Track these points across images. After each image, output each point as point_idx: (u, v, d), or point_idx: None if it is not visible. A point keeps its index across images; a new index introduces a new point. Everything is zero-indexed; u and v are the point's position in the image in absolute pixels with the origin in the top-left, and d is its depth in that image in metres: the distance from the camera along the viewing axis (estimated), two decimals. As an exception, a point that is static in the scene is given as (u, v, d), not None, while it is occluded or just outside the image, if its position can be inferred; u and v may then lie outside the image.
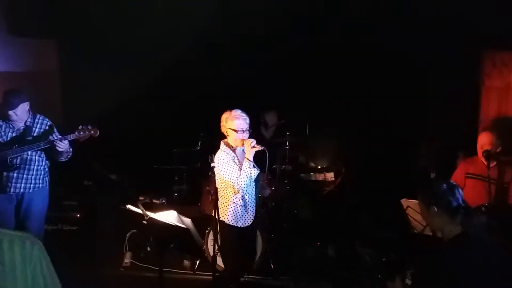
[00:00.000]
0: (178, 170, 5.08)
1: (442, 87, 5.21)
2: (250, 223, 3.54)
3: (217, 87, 5.39)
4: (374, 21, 4.95)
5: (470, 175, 3.93)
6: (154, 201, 3.28)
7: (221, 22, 5.02)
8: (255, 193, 3.59)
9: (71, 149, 3.98)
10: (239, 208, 3.50)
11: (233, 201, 3.49)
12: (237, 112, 3.52)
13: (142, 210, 2.93)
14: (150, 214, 2.94)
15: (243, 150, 3.53)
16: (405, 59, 5.14)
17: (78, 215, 4.70)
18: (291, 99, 5.24)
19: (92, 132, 3.85)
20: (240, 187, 3.44)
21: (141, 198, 3.17)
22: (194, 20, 4.99)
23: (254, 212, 3.57)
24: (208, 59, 5.23)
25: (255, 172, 3.44)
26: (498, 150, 3.85)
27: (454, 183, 2.32)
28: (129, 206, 3.06)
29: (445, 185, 2.28)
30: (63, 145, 3.82)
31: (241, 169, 3.41)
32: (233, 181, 3.41)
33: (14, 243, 1.66)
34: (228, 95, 5.34)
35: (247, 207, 3.52)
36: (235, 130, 3.46)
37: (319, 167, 5.11)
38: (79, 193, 4.95)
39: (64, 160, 4.03)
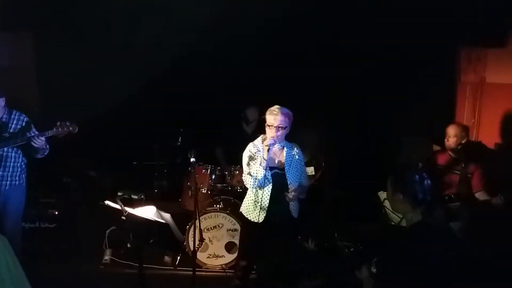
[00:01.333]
0: (158, 166, 5.06)
1: (420, 82, 5.31)
2: (261, 220, 3.50)
3: (198, 82, 5.37)
4: (352, 18, 5.00)
5: (439, 166, 4.07)
6: (133, 196, 3.26)
7: (204, 22, 5.00)
8: (274, 193, 3.53)
9: (47, 146, 3.93)
10: (250, 201, 3.60)
11: (248, 192, 3.64)
12: (272, 108, 3.58)
13: (121, 206, 2.90)
14: (129, 210, 2.92)
15: (278, 147, 3.58)
16: (383, 55, 5.21)
17: (57, 213, 4.65)
18: (272, 94, 5.25)
19: (71, 128, 3.80)
20: (246, 182, 3.59)
21: (119, 193, 3.13)
22: (177, 15, 4.96)
23: (265, 211, 3.52)
24: (189, 54, 5.20)
25: (261, 172, 3.47)
26: (463, 142, 4.02)
27: (426, 175, 2.38)
28: (107, 202, 3.03)
29: (417, 176, 2.33)
30: (39, 142, 3.75)
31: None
32: (243, 174, 3.59)
33: None
34: (209, 90, 5.34)
35: (256, 204, 3.53)
36: (267, 125, 3.54)
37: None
38: (57, 190, 4.89)
39: (40, 157, 3.97)
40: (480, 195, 3.90)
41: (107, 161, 5.31)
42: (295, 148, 3.68)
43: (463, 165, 3.98)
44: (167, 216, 2.98)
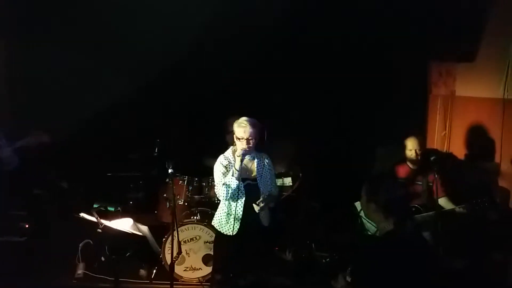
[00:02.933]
0: (134, 177, 4.97)
1: (393, 94, 5.45)
2: (234, 232, 3.52)
3: (174, 92, 5.33)
4: (333, 27, 5.10)
5: (400, 179, 4.08)
6: (109, 208, 3.20)
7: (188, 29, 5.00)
8: (247, 205, 3.56)
9: (15, 157, 3.81)
10: (223, 214, 3.62)
11: (220, 205, 3.67)
12: (239, 120, 3.62)
13: (97, 218, 2.85)
14: (105, 222, 2.87)
15: (249, 158, 3.60)
16: (358, 67, 5.32)
17: (27, 226, 4.49)
18: (249, 105, 5.27)
19: (43, 138, 3.72)
20: (219, 194, 3.58)
21: (95, 205, 3.08)
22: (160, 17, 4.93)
23: (239, 223, 3.54)
24: (165, 62, 5.16)
25: (234, 183, 3.47)
26: (419, 152, 4.18)
27: (397, 187, 2.44)
28: (82, 215, 2.97)
29: (387, 187, 2.39)
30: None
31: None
32: (216, 187, 3.61)
33: None
34: (188, 101, 5.32)
35: (230, 216, 3.55)
36: (237, 138, 3.56)
37: (277, 172, 5.17)
38: (28, 202, 4.73)
39: (6, 168, 3.84)
40: (442, 201, 4.00)
41: (81, 172, 5.18)
42: (265, 158, 3.75)
43: (423, 175, 4.10)
44: (145, 228, 2.94)
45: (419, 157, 4.17)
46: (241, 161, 3.53)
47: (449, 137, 5.63)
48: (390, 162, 4.93)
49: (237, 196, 3.55)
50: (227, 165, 3.61)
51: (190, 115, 5.37)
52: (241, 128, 3.56)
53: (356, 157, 5.22)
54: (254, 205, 3.52)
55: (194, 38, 5.02)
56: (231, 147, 3.74)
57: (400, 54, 5.30)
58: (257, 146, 3.69)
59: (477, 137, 5.42)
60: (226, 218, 3.60)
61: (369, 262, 2.36)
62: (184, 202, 4.68)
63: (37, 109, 5.04)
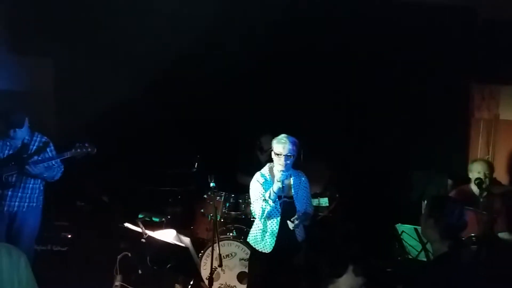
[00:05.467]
0: (172, 192, 5.05)
1: (434, 118, 5.37)
2: (269, 250, 3.54)
3: (212, 110, 5.44)
4: (369, 55, 5.12)
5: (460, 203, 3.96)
6: (154, 219, 3.26)
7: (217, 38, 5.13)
8: (282, 222, 3.55)
9: (61, 168, 3.95)
10: (258, 231, 3.62)
11: (256, 222, 3.66)
12: (279, 137, 3.63)
13: (142, 228, 2.90)
14: (149, 233, 2.92)
15: (286, 176, 3.57)
16: (398, 91, 5.30)
17: (69, 236, 4.62)
18: (286, 124, 5.31)
19: (90, 149, 3.85)
20: (255, 212, 3.58)
21: (140, 215, 3.14)
22: (184, 40, 5.08)
23: (274, 240, 3.55)
24: (204, 83, 5.30)
25: (271, 202, 3.47)
26: (488, 179, 3.91)
27: (465, 214, 2.35)
28: (127, 224, 3.03)
29: (456, 210, 2.32)
30: (34, 170, 3.75)
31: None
32: (252, 204, 3.61)
33: (0, 252, 1.67)
34: (225, 118, 5.41)
35: (266, 233, 3.56)
36: (276, 154, 3.56)
37: (313, 192, 5.13)
38: (71, 214, 4.88)
39: (50, 180, 3.97)
40: (503, 235, 3.80)
41: (121, 186, 5.31)
42: (301, 176, 3.73)
43: (488, 204, 3.84)
44: (187, 240, 2.98)
45: (487, 183, 3.87)
46: (281, 184, 3.49)
47: (492, 162, 5.46)
48: (432, 185, 4.83)
49: (274, 215, 3.55)
50: (263, 182, 3.60)
51: (228, 132, 5.45)
52: (281, 145, 3.56)
53: (395, 180, 5.13)
54: (288, 222, 3.50)
55: (238, 56, 5.14)
56: (268, 164, 3.74)
57: (442, 76, 5.25)
58: (294, 164, 3.67)
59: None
60: (262, 235, 3.59)
61: (420, 284, 2.28)
62: (220, 218, 4.71)
63: (82, 123, 5.23)
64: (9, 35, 5.40)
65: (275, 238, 3.54)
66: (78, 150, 3.81)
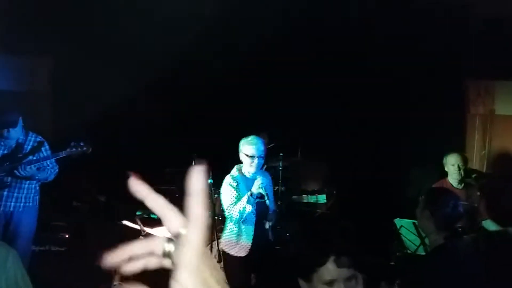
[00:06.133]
0: (170, 190, 5.03)
1: (430, 113, 5.38)
2: (244, 254, 3.47)
3: (209, 108, 5.44)
4: (370, 48, 5.13)
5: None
6: (152, 215, 3.24)
7: (212, 41, 5.13)
8: (257, 223, 3.51)
9: (56, 169, 3.93)
10: (233, 235, 3.52)
11: (228, 227, 3.53)
12: (249, 138, 3.56)
13: (140, 226, 2.89)
14: (148, 230, 2.90)
15: (252, 178, 3.53)
16: (395, 88, 5.31)
17: (67, 236, 4.60)
18: (283, 121, 5.32)
19: (85, 148, 3.81)
20: (232, 216, 3.45)
21: (138, 212, 3.12)
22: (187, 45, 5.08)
23: (250, 244, 3.48)
24: (201, 81, 5.30)
25: (249, 208, 3.39)
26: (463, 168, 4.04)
27: (460, 205, 2.37)
28: (125, 222, 3.02)
29: (452, 202, 2.33)
30: (23, 173, 3.68)
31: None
32: (226, 209, 3.47)
33: None
34: (220, 117, 5.40)
35: (241, 237, 3.49)
36: (247, 156, 3.48)
37: (311, 189, 5.15)
38: (68, 214, 4.86)
39: (44, 181, 3.94)
40: (487, 224, 3.86)
41: (118, 185, 5.29)
42: (268, 175, 3.74)
43: (467, 194, 3.97)
44: (186, 236, 2.95)
45: (462, 174, 4.03)
46: (264, 191, 3.43)
47: (488, 156, 5.49)
48: (429, 180, 4.84)
49: (250, 217, 3.48)
50: (236, 185, 3.50)
51: (225, 129, 5.44)
52: (253, 146, 3.48)
53: (393, 175, 5.15)
54: (266, 222, 3.49)
55: (234, 54, 5.14)
56: (235, 166, 3.63)
57: (437, 73, 5.27)
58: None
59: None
60: (236, 239, 3.50)
61: (417, 275, 2.28)
62: (219, 216, 4.69)
63: (78, 122, 5.21)
64: (5, 35, 5.37)
65: (251, 240, 3.49)
66: (74, 150, 3.76)
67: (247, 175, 3.53)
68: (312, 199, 5.03)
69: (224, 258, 3.54)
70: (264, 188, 3.43)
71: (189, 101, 5.40)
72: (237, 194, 3.46)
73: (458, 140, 5.46)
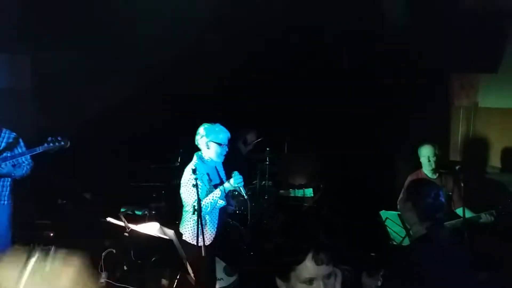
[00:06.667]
0: (156, 187, 5.00)
1: (414, 107, 5.42)
2: (208, 242, 3.34)
3: (196, 103, 5.41)
4: (352, 42, 5.13)
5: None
6: (137, 212, 3.21)
7: (203, 36, 5.10)
8: (222, 213, 3.49)
9: (31, 165, 3.85)
10: (194, 225, 3.32)
11: (190, 217, 3.37)
12: (219, 127, 3.48)
13: (124, 222, 2.86)
14: (132, 226, 2.88)
15: (213, 166, 3.47)
16: (379, 81, 5.33)
17: (52, 234, 4.54)
18: (270, 116, 5.32)
19: (63, 143, 3.72)
20: (207, 207, 3.31)
21: (123, 209, 3.09)
22: (173, 35, 5.03)
23: (215, 232, 3.45)
24: (185, 75, 5.25)
25: (221, 202, 3.33)
26: (436, 161, 4.11)
27: (443, 196, 2.40)
28: (109, 219, 2.99)
29: (433, 192, 2.35)
30: (1, 170, 3.60)
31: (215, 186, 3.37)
32: (191, 202, 3.28)
33: None
34: (207, 111, 5.37)
35: (205, 226, 3.38)
36: (219, 144, 3.40)
37: (298, 183, 5.16)
38: (52, 212, 4.80)
39: (20, 178, 3.85)
40: (460, 212, 3.92)
41: (104, 183, 5.24)
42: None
43: (441, 184, 4.00)
44: (171, 232, 2.94)
45: (433, 165, 4.09)
46: (239, 187, 3.36)
47: (472, 148, 5.55)
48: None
49: (218, 206, 3.40)
50: (202, 178, 3.34)
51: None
52: (223, 134, 3.42)
53: (379, 168, 5.18)
54: (229, 206, 3.53)
55: (219, 50, 5.11)
56: (195, 155, 3.48)
57: (420, 65, 5.30)
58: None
59: (501, 148, 5.34)
60: (200, 229, 3.25)
61: (400, 267, 2.30)
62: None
63: (59, 119, 5.14)
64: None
65: (215, 229, 3.44)
66: (51, 145, 3.65)
67: (211, 162, 3.45)
68: (299, 193, 5.04)
69: (188, 251, 3.30)
70: (240, 187, 3.38)
71: (174, 96, 5.36)
72: (207, 187, 3.34)
73: (442, 133, 5.51)
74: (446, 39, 5.19)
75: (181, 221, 3.50)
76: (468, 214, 3.93)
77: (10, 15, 5.13)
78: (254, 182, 4.79)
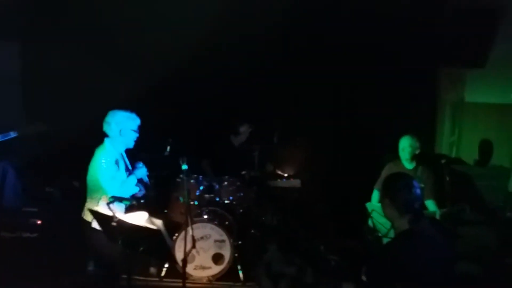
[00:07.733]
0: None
1: (401, 101, 5.48)
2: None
3: (185, 93, 5.40)
4: (342, 35, 5.16)
5: None
6: (124, 202, 3.23)
7: (195, 32, 5.08)
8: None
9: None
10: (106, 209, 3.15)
11: (102, 202, 3.29)
12: (131, 112, 3.51)
13: (112, 212, 2.87)
14: (120, 216, 2.89)
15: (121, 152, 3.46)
16: (369, 72, 5.37)
17: (39, 222, 4.53)
18: (258, 106, 5.34)
19: (40, 127, 3.67)
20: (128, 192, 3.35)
21: (110, 199, 3.10)
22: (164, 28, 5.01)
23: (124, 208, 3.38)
24: (177, 66, 5.23)
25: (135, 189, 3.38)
26: (417, 152, 4.22)
27: (416, 184, 2.44)
28: (97, 209, 2.99)
29: (407, 184, 2.39)
30: None
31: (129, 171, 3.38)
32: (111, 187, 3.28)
33: None
34: (197, 102, 5.37)
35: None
36: (132, 130, 3.44)
37: (287, 174, 5.20)
38: (40, 200, 4.78)
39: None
40: (429, 204, 4.05)
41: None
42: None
43: (416, 176, 4.07)
44: (159, 222, 2.96)
45: (408, 156, 4.19)
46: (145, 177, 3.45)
47: (458, 143, 5.64)
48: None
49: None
50: (119, 162, 3.43)
51: (200, 116, 5.43)
52: (136, 121, 3.47)
53: (366, 161, 5.24)
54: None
55: (206, 39, 5.09)
56: (106, 140, 3.50)
57: (408, 59, 5.34)
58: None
59: (487, 143, 5.44)
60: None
61: (384, 261, 2.35)
62: (194, 201, 4.71)
63: (50, 109, 5.10)
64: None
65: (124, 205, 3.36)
66: (26, 129, 3.61)
67: (122, 150, 3.49)
68: (287, 184, 5.09)
69: (95, 234, 3.29)
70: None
71: (164, 87, 5.35)
72: (121, 173, 3.37)
73: (428, 127, 5.58)
74: (435, 34, 5.24)
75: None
76: (433, 207, 4.01)
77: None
78: (243, 172, 4.82)
